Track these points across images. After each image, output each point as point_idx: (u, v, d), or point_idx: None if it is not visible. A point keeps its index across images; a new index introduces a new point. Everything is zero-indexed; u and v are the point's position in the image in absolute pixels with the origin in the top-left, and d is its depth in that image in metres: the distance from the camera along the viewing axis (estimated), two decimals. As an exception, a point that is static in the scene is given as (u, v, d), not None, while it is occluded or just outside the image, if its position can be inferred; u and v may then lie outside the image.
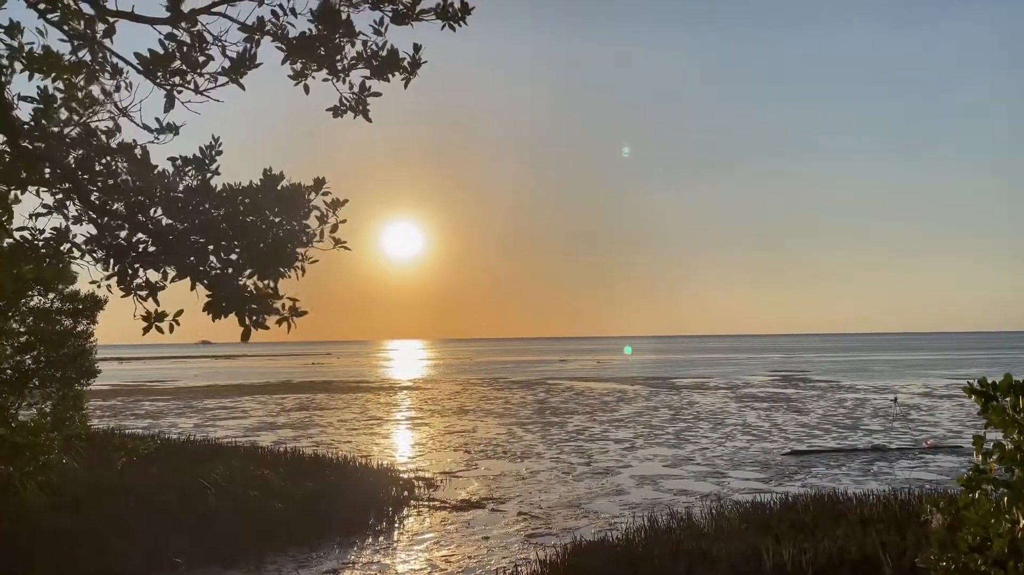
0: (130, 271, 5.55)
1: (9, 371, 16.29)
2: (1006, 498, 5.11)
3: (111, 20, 5.68)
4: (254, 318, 5.39)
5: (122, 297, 5.54)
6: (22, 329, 16.74)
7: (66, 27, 5.66)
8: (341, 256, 5.77)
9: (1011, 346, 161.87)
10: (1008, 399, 5.13)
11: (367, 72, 6.18)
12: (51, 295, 17.52)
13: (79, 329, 17.97)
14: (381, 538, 15.77)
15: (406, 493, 19.44)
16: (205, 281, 5.47)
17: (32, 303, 17.09)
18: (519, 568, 13.34)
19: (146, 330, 5.36)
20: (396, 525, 16.83)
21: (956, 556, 5.52)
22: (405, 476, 21.31)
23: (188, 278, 5.50)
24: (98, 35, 5.75)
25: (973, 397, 5.26)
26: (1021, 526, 4.94)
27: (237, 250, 5.48)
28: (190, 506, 15.21)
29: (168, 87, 5.76)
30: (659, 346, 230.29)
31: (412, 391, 61.41)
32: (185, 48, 5.69)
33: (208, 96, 5.88)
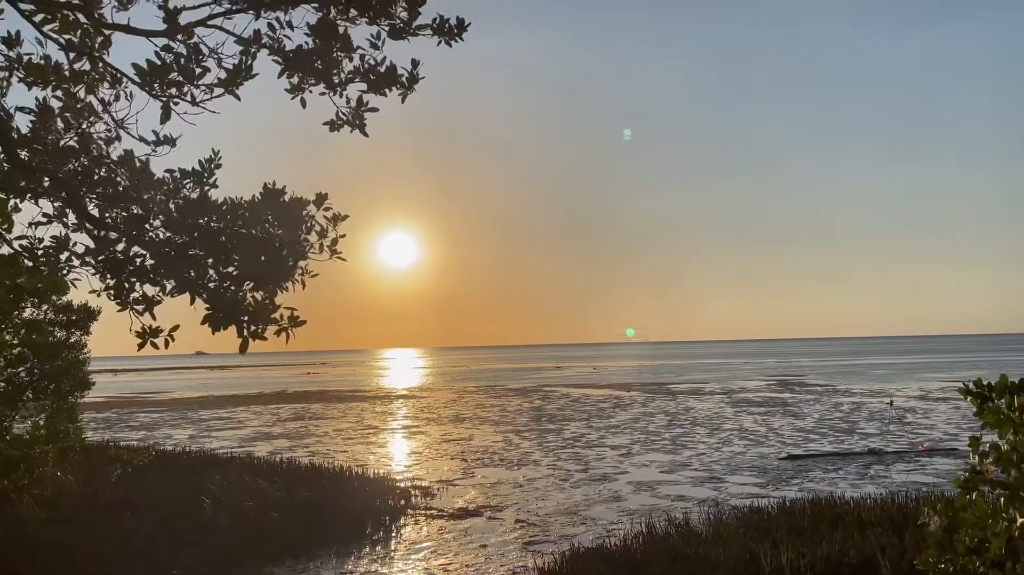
0: (127, 285, 5.52)
1: (3, 384, 16.22)
2: (1003, 498, 5.11)
3: (107, 32, 5.68)
4: (252, 329, 5.38)
5: (118, 311, 5.53)
6: (15, 341, 16.69)
7: (64, 39, 5.66)
8: (338, 266, 5.78)
9: (1010, 348, 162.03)
10: (1004, 400, 5.13)
11: (364, 86, 6.18)
12: (44, 306, 17.48)
13: (72, 341, 17.93)
14: (378, 547, 15.70)
15: (403, 502, 19.37)
16: (204, 295, 5.46)
17: (25, 314, 17.03)
18: (517, 576, 13.31)
19: (141, 346, 5.34)
20: (393, 534, 16.77)
21: (954, 558, 5.52)
22: (402, 485, 21.23)
23: (187, 292, 5.48)
24: (95, 48, 5.74)
25: (969, 398, 5.26)
26: (1018, 525, 4.94)
27: (236, 263, 5.46)
28: (186, 517, 15.14)
29: (164, 99, 5.75)
30: (655, 352, 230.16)
31: (408, 399, 61.27)
32: (182, 60, 5.69)
33: (204, 107, 5.88)
